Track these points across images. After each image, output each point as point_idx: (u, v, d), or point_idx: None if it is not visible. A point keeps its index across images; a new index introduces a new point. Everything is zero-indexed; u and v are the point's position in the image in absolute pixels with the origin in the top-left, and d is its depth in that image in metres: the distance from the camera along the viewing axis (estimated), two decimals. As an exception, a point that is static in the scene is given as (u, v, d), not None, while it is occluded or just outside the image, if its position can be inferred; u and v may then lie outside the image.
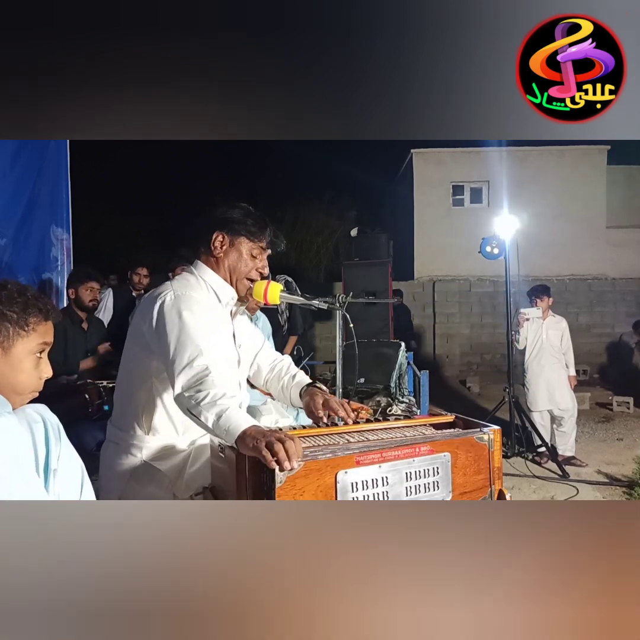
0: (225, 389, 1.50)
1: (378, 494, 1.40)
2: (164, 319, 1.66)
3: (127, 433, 1.77)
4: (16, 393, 1.25)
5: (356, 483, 1.37)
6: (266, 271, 1.89)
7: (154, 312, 1.69)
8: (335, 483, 1.35)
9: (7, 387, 1.24)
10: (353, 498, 1.37)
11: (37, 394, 1.31)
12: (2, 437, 1.13)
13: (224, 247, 1.82)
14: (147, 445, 1.74)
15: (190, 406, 1.50)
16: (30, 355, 1.26)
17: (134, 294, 4.70)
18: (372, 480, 1.39)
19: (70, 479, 1.33)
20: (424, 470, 1.46)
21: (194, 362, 1.54)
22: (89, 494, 1.38)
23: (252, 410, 2.05)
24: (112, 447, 1.78)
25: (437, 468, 1.47)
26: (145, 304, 1.76)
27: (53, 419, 1.32)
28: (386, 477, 1.41)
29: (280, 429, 1.55)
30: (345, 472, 1.36)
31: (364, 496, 1.38)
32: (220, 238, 1.82)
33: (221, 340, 1.79)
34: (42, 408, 1.32)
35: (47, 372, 1.31)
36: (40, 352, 1.29)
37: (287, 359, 2.11)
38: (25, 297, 1.26)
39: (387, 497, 1.41)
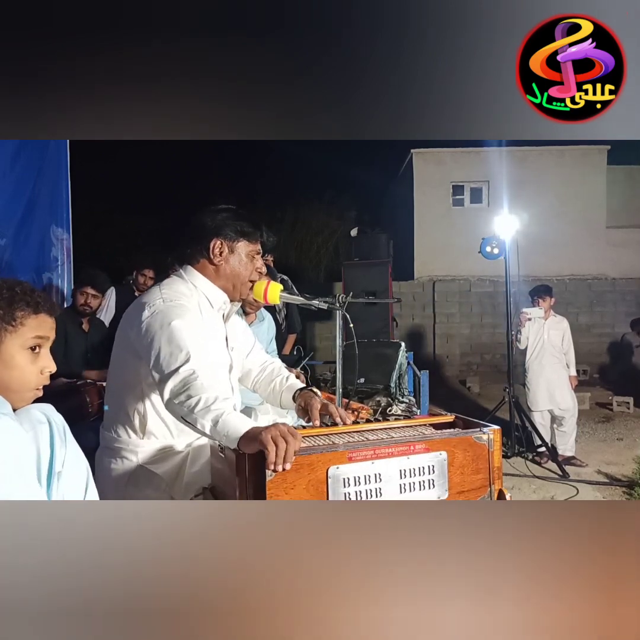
0: (217, 392, 1.48)
1: (370, 490, 1.40)
2: (152, 326, 1.64)
3: (121, 438, 1.76)
4: (13, 390, 1.22)
5: (348, 479, 1.37)
6: (264, 270, 1.90)
7: (142, 319, 1.67)
8: (327, 478, 1.35)
9: (3, 385, 1.21)
10: (345, 493, 1.37)
11: (40, 392, 1.28)
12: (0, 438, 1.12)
13: (224, 254, 1.82)
14: (142, 449, 1.73)
15: (183, 414, 1.49)
16: (22, 350, 1.22)
17: (136, 294, 4.70)
18: (365, 476, 1.39)
19: (75, 482, 1.30)
20: (419, 468, 1.46)
21: (181, 368, 1.53)
22: (93, 497, 1.36)
23: (249, 411, 2.05)
24: (107, 452, 1.77)
25: (433, 466, 1.47)
26: (133, 310, 1.75)
27: (59, 420, 1.30)
28: (379, 474, 1.41)
29: None
30: (337, 468, 1.36)
31: (356, 492, 1.38)
32: (219, 245, 1.81)
33: (213, 345, 1.79)
34: (48, 408, 1.30)
35: (49, 366, 1.27)
36: (37, 347, 1.25)
37: (277, 361, 2.10)
38: (13, 292, 1.23)
39: (380, 494, 1.41)
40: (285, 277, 4.49)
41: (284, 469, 1.29)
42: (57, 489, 1.25)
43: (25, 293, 1.24)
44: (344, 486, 1.37)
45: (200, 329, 1.70)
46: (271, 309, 4.45)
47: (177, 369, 1.53)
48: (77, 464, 1.32)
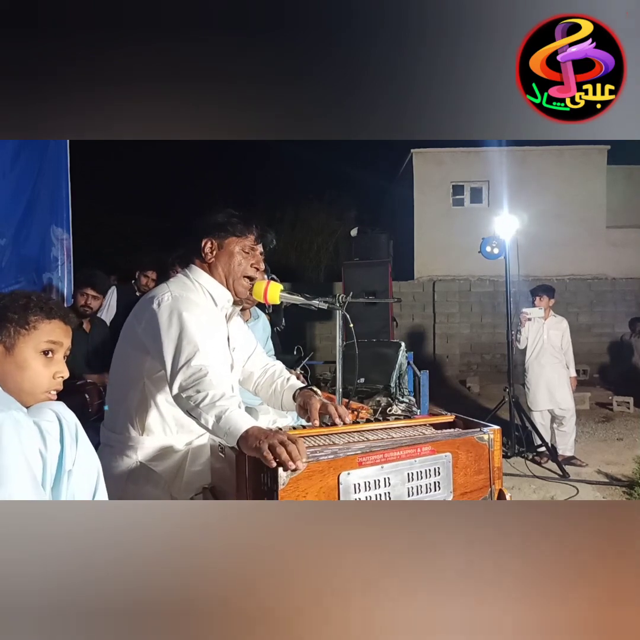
0: (224, 389, 1.50)
1: (380, 494, 1.39)
2: (162, 319, 1.66)
3: (121, 435, 1.76)
4: (25, 392, 1.27)
5: (359, 484, 1.37)
6: (262, 266, 1.89)
7: (151, 312, 1.69)
8: (338, 484, 1.34)
9: (16, 385, 1.26)
10: (356, 500, 1.36)
11: (54, 396, 1.32)
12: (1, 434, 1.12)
13: (214, 252, 1.84)
14: (142, 446, 1.73)
15: (189, 408, 1.50)
16: (35, 354, 1.28)
17: (137, 294, 4.69)
18: (375, 481, 1.39)
19: (86, 482, 1.30)
20: (426, 470, 1.46)
21: (191, 361, 1.55)
22: (103, 497, 1.35)
23: (249, 411, 2.05)
24: (107, 450, 1.77)
25: (439, 468, 1.47)
26: (142, 306, 1.77)
27: (70, 418, 1.30)
28: (388, 478, 1.41)
29: (280, 429, 1.54)
30: (348, 474, 1.35)
31: (366, 497, 1.38)
32: (209, 244, 1.83)
33: (216, 343, 1.79)
34: (60, 406, 1.31)
35: (62, 371, 1.32)
36: (50, 352, 1.30)
37: (279, 364, 2.10)
38: (28, 299, 1.30)
39: (389, 499, 1.41)
40: (274, 277, 4.47)
41: (296, 469, 1.28)
42: (66, 487, 1.25)
43: (40, 300, 1.31)
44: (355, 492, 1.36)
45: (206, 324, 1.72)
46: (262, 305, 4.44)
47: (187, 363, 1.55)
48: (88, 464, 1.32)
